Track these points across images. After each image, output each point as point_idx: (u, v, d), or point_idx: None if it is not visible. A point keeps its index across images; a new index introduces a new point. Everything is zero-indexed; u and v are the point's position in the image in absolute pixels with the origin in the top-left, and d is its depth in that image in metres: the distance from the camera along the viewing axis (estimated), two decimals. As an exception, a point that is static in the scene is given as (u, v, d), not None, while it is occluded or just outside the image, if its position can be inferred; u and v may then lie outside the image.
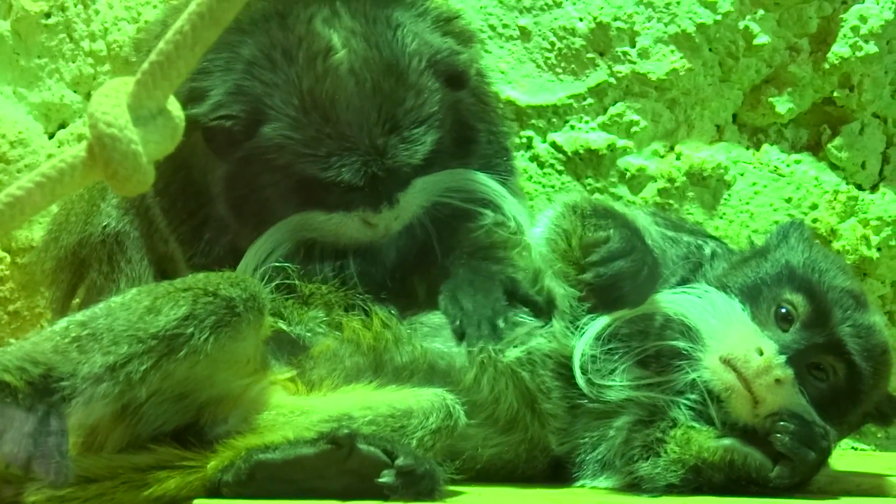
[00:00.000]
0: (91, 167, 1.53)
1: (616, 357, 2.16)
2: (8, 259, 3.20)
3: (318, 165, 2.20)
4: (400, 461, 1.89)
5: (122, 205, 2.55)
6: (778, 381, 2.03)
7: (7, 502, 1.81)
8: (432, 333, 2.22)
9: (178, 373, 1.91)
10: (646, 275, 2.14)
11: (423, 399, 2.11)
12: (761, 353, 2.05)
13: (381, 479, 1.87)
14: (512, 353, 2.16)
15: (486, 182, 2.37)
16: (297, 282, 2.23)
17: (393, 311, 2.23)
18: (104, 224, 2.57)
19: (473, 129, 2.42)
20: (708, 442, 2.07)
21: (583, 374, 2.14)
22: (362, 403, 2.07)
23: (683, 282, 2.24)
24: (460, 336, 2.19)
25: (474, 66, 2.38)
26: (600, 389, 2.15)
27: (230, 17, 1.53)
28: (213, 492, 1.90)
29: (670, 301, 2.16)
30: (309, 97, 2.18)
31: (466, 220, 2.36)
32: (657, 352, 2.15)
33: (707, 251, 2.31)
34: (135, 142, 1.50)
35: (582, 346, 2.15)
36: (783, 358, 2.04)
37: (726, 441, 2.06)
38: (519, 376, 2.17)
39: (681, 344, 2.11)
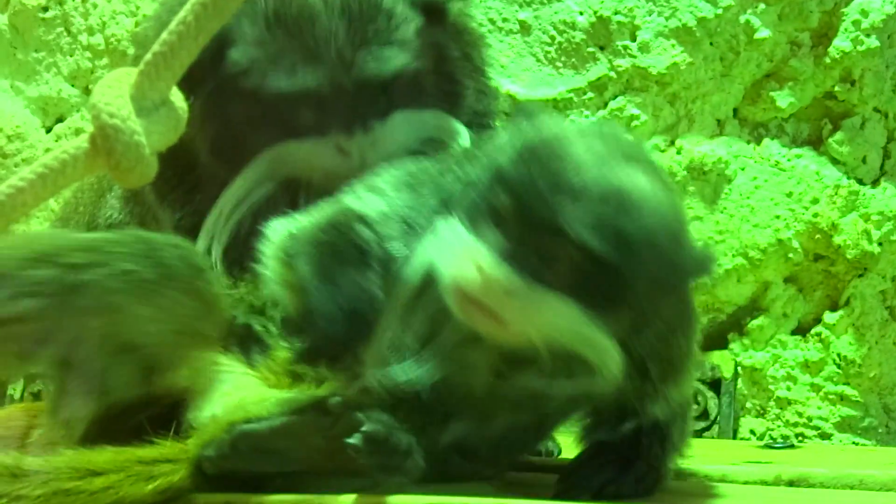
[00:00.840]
0: (94, 158, 1.52)
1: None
2: (5, 253, 3.20)
3: (284, 78, 2.16)
4: (367, 427, 1.83)
5: (124, 195, 2.54)
6: (507, 292, 1.72)
7: (11, 496, 1.80)
8: None
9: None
10: (358, 303, 1.88)
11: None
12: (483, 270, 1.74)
13: (349, 440, 1.82)
14: None
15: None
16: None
17: None
18: (108, 216, 2.55)
19: (459, 82, 2.35)
20: None
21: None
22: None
23: None
24: None
25: (458, 8, 2.33)
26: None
27: (234, 7, 1.53)
28: (196, 470, 1.88)
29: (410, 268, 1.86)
30: (275, 18, 2.15)
31: None
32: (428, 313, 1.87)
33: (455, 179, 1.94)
34: (138, 133, 1.49)
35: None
36: (503, 266, 1.72)
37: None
38: None
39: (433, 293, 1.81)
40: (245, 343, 2.12)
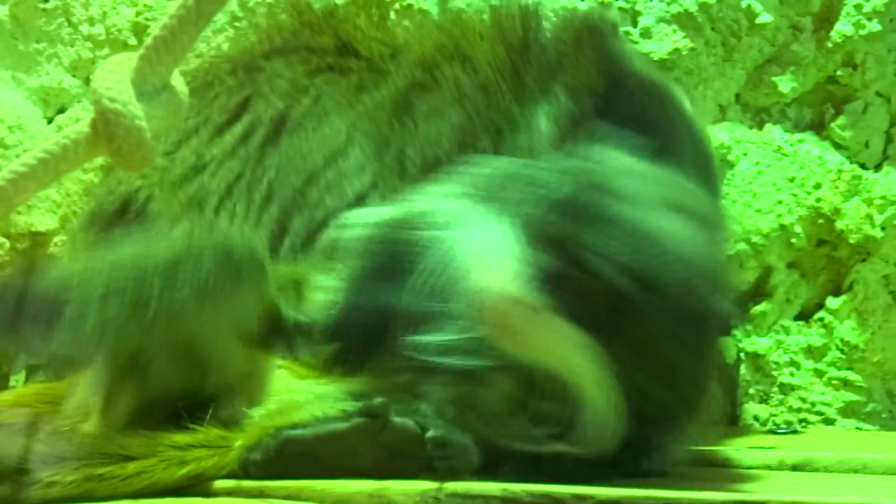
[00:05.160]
0: (94, 143, 1.52)
1: None
2: (7, 244, 3.19)
3: None
4: (432, 433, 1.84)
5: None
6: (525, 308, 1.83)
7: (44, 482, 1.81)
8: None
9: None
10: None
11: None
12: None
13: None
14: None
15: None
16: None
17: None
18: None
19: None
20: None
21: None
22: (379, 387, 2.04)
23: None
24: None
25: None
26: None
27: (234, -9, 1.53)
28: (242, 472, 1.88)
29: None
30: None
31: None
32: None
33: None
34: (139, 117, 1.49)
35: None
36: (528, 284, 1.84)
37: None
38: None
39: None
40: (290, 335, 2.13)
